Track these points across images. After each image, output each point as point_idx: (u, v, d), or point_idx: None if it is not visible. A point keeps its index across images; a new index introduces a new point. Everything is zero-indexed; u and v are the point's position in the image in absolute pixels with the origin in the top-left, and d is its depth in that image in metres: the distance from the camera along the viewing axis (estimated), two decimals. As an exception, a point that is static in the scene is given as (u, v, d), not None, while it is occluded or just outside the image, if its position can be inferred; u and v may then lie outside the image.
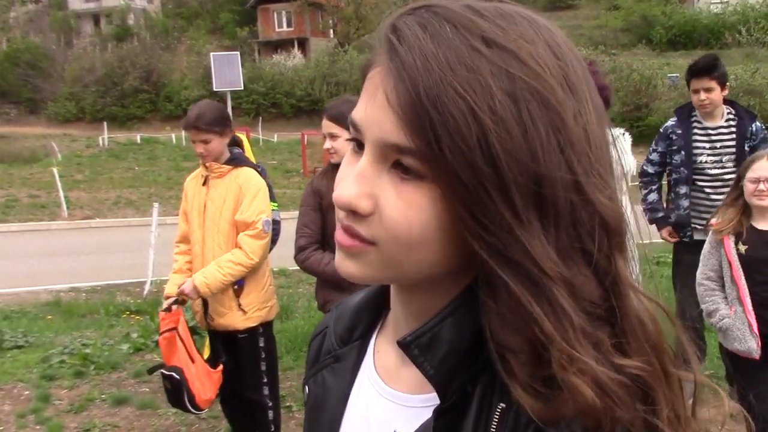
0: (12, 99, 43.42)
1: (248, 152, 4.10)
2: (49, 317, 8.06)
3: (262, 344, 3.91)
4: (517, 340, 0.63)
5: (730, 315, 3.48)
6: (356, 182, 0.67)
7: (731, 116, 4.67)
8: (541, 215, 0.63)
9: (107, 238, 14.13)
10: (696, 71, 4.55)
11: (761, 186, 3.39)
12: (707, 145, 4.65)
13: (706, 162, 4.63)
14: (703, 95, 4.54)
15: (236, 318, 3.80)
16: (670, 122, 4.89)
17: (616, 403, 0.61)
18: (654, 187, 4.91)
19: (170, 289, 3.89)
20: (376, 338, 0.87)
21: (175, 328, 3.73)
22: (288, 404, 4.94)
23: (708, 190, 4.65)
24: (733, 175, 4.32)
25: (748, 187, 3.44)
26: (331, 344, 0.90)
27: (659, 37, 43.42)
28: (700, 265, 3.68)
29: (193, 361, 3.74)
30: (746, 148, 4.52)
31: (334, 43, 43.93)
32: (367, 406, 0.81)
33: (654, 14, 44.57)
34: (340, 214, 0.70)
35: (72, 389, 5.49)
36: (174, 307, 3.79)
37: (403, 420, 0.76)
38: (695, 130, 4.68)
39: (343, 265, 0.72)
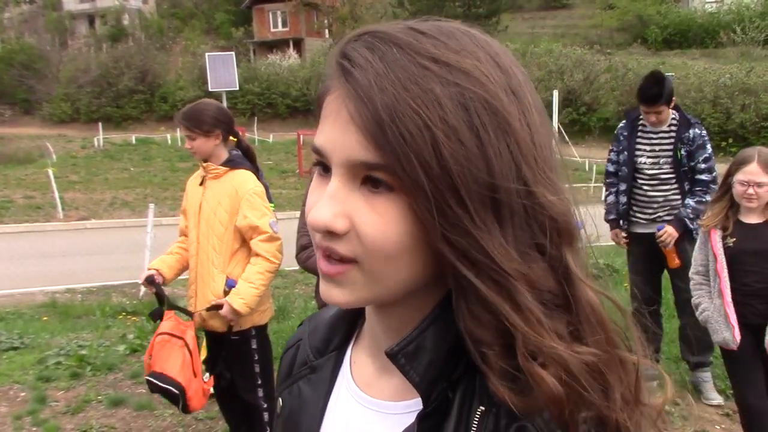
0: (7, 100, 43.30)
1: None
2: (45, 318, 8.06)
3: (254, 346, 3.87)
4: (490, 334, 0.67)
5: (710, 308, 3.62)
6: (329, 203, 0.70)
7: (674, 122, 5.01)
8: (497, 216, 0.68)
9: (103, 239, 14.11)
10: (646, 99, 4.89)
11: (750, 190, 3.47)
12: (647, 148, 5.05)
13: (645, 163, 5.06)
14: (654, 117, 4.93)
15: (224, 320, 3.75)
16: (621, 124, 5.32)
17: (582, 388, 0.66)
18: (613, 189, 5.29)
19: (152, 264, 3.94)
20: (352, 349, 0.89)
21: (181, 338, 3.69)
22: (285, 405, 4.94)
23: (646, 187, 5.07)
24: (669, 175, 4.93)
25: (738, 188, 3.52)
26: (306, 356, 0.92)
27: (654, 37, 43.47)
28: (693, 260, 3.82)
29: (195, 375, 3.71)
30: (683, 153, 4.91)
31: (329, 44, 43.88)
32: (347, 417, 0.83)
33: (649, 13, 44.62)
34: (316, 238, 0.72)
35: (68, 390, 5.48)
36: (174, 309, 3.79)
37: (385, 428, 0.78)
38: (639, 134, 5.09)
39: (330, 294, 0.74)
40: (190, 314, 3.81)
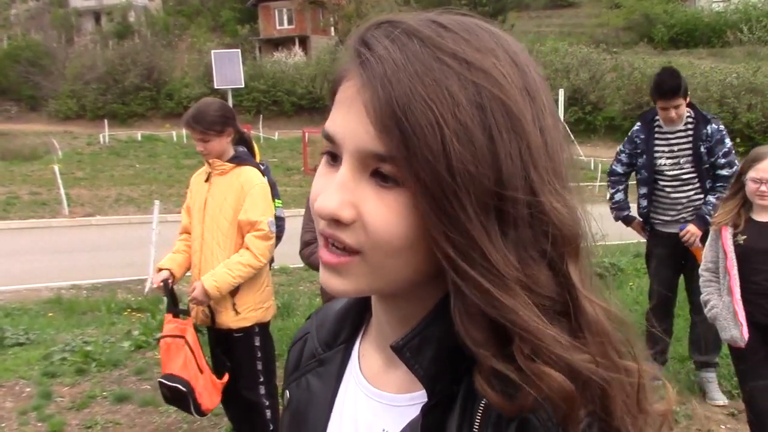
0: (13, 96, 43.36)
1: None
2: (51, 314, 8.07)
3: (257, 344, 3.89)
4: (483, 335, 0.67)
5: (719, 305, 3.58)
6: (338, 192, 0.69)
7: (690, 119, 4.93)
8: (500, 220, 0.67)
9: (108, 235, 14.13)
10: (665, 93, 4.80)
11: (763, 187, 3.45)
12: (666, 149, 4.97)
13: (665, 164, 4.98)
14: (673, 113, 4.82)
15: (230, 317, 3.79)
16: (636, 127, 5.20)
17: (588, 388, 0.66)
18: (621, 187, 5.25)
19: (163, 263, 3.92)
20: (360, 342, 0.89)
21: (182, 337, 3.70)
22: (288, 402, 4.94)
23: (668, 189, 4.99)
24: (690, 174, 4.85)
25: (750, 186, 3.50)
26: (314, 349, 0.92)
27: (661, 36, 43.35)
28: (703, 257, 3.80)
29: (201, 371, 3.71)
30: (702, 150, 4.83)
31: (335, 41, 43.86)
32: (355, 409, 0.84)
33: (656, 12, 44.50)
34: (320, 225, 0.72)
35: (73, 386, 5.49)
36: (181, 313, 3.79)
37: (390, 419, 0.78)
38: (656, 135, 5.01)
39: (330, 282, 0.73)
40: (187, 313, 3.82)
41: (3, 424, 4.82)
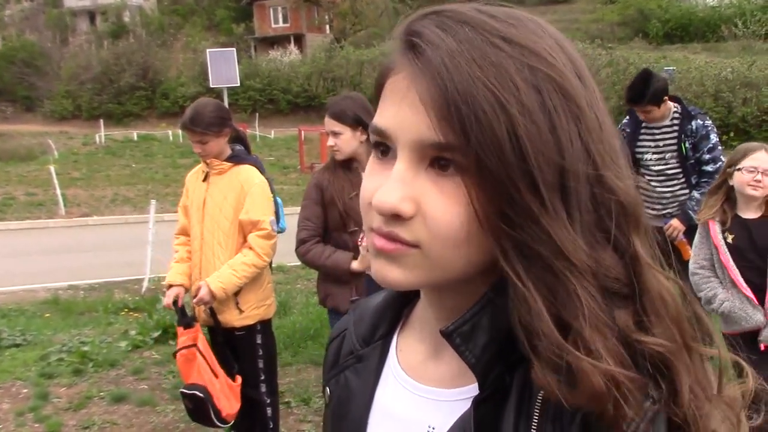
0: (8, 97, 43.30)
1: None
2: (47, 315, 8.06)
3: (259, 341, 3.89)
4: (542, 325, 0.65)
5: (729, 298, 3.51)
6: (396, 186, 0.67)
7: (676, 114, 4.97)
8: (566, 203, 0.66)
9: (105, 235, 14.11)
10: (630, 100, 4.90)
11: (759, 176, 3.41)
12: (652, 144, 5.04)
13: (650, 159, 5.03)
14: (642, 116, 4.94)
15: (233, 315, 3.79)
16: (624, 120, 5.27)
17: (624, 396, 0.63)
18: None
19: (173, 278, 3.86)
20: (397, 337, 0.87)
21: (194, 345, 3.69)
22: (287, 400, 4.94)
23: (654, 183, 5.04)
24: (675, 170, 4.91)
25: (744, 176, 3.45)
26: (352, 345, 0.91)
27: (656, 31, 43.35)
28: (692, 255, 3.73)
29: (216, 376, 3.70)
30: (687, 146, 4.89)
31: (330, 39, 43.83)
32: (396, 405, 0.82)
33: (650, 8, 44.50)
34: (374, 222, 0.70)
35: (71, 387, 5.49)
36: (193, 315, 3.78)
37: (438, 415, 0.76)
38: (643, 130, 5.07)
39: (385, 271, 0.71)
40: (195, 319, 3.81)
41: (0, 426, 4.81)
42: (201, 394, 3.60)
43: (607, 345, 0.64)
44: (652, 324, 0.67)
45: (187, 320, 3.79)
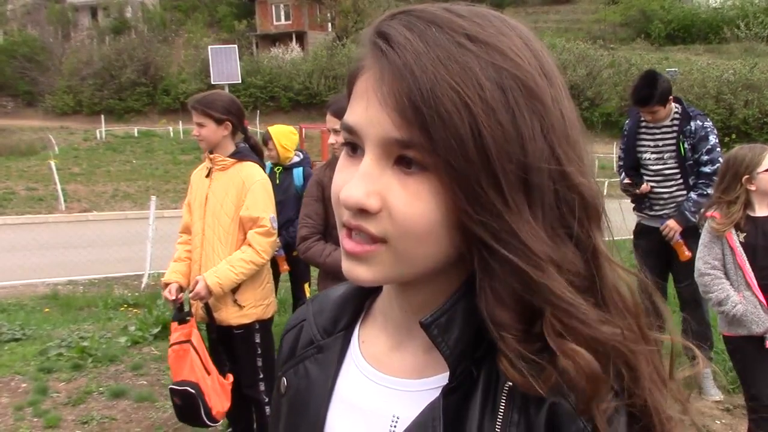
0: (9, 92, 43.24)
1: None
2: (47, 310, 8.06)
3: (258, 341, 3.88)
4: (511, 317, 0.68)
5: (742, 301, 3.49)
6: (363, 181, 0.69)
7: (676, 115, 4.98)
8: (529, 198, 0.68)
9: (105, 231, 14.10)
10: (637, 101, 4.90)
11: None
12: (651, 144, 5.05)
13: (649, 159, 5.06)
14: (649, 117, 4.95)
15: (231, 313, 3.78)
16: (627, 122, 5.33)
17: (615, 363, 0.67)
18: (631, 173, 5.30)
19: (169, 277, 3.87)
20: (359, 329, 0.89)
21: (188, 341, 3.68)
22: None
23: (651, 184, 5.06)
24: (673, 170, 4.92)
25: (765, 177, 3.45)
26: (312, 336, 0.92)
27: (658, 32, 43.37)
28: (701, 255, 3.66)
29: (209, 373, 3.70)
30: (686, 146, 4.89)
31: (332, 37, 43.79)
32: (359, 395, 0.83)
33: (653, 9, 44.52)
34: (344, 216, 0.72)
35: (70, 382, 5.49)
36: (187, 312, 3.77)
37: (402, 405, 0.78)
38: (643, 130, 5.09)
39: (355, 271, 0.73)
40: (190, 314, 3.81)
41: (-1, 420, 4.82)
42: (192, 390, 3.60)
43: (578, 333, 0.66)
44: (611, 316, 0.70)
45: (181, 316, 3.78)
